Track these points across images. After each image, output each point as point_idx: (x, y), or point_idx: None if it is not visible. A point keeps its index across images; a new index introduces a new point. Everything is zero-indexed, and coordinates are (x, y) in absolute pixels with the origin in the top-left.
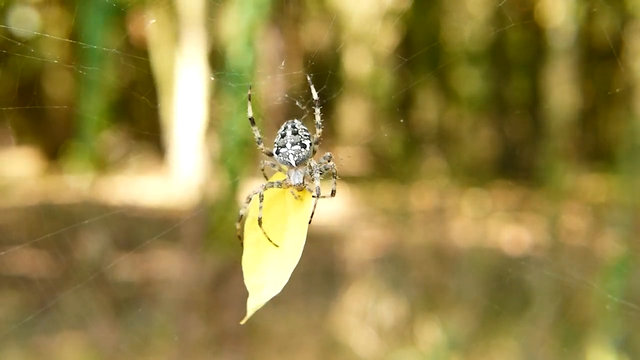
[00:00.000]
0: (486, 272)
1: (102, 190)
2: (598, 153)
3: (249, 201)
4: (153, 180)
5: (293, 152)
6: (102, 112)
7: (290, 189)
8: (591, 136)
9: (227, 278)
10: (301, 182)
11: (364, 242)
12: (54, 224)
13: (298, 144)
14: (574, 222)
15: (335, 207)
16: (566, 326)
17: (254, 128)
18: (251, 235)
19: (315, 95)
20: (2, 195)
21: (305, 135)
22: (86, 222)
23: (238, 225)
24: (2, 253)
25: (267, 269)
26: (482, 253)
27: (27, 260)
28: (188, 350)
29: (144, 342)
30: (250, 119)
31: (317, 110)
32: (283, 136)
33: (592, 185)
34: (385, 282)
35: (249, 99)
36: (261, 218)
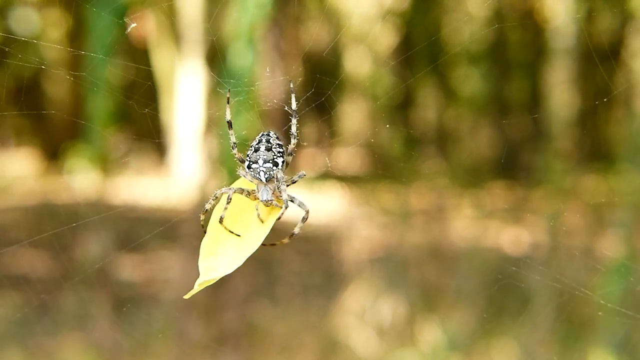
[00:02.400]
0: (486, 272)
1: (103, 190)
2: (598, 153)
3: (215, 198)
4: (153, 181)
5: (264, 170)
6: (106, 113)
7: (258, 202)
8: (591, 136)
9: (227, 278)
10: (269, 199)
11: (364, 241)
12: (54, 224)
13: (270, 161)
14: (574, 222)
15: (335, 207)
16: (566, 327)
17: (230, 132)
18: (216, 223)
19: (294, 105)
20: (2, 195)
21: (279, 152)
22: (86, 221)
23: (202, 217)
24: (6, 250)
25: (223, 252)
26: (481, 253)
27: (27, 260)
28: (188, 350)
29: (144, 342)
30: (228, 122)
31: (294, 121)
32: (256, 150)
33: (592, 185)
34: (385, 282)
35: (228, 102)
36: (223, 217)
